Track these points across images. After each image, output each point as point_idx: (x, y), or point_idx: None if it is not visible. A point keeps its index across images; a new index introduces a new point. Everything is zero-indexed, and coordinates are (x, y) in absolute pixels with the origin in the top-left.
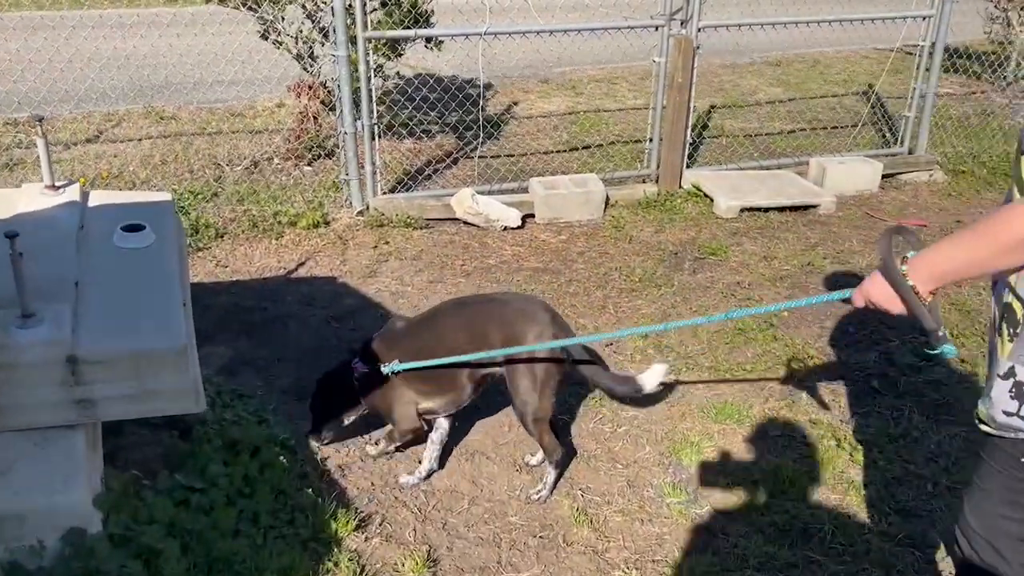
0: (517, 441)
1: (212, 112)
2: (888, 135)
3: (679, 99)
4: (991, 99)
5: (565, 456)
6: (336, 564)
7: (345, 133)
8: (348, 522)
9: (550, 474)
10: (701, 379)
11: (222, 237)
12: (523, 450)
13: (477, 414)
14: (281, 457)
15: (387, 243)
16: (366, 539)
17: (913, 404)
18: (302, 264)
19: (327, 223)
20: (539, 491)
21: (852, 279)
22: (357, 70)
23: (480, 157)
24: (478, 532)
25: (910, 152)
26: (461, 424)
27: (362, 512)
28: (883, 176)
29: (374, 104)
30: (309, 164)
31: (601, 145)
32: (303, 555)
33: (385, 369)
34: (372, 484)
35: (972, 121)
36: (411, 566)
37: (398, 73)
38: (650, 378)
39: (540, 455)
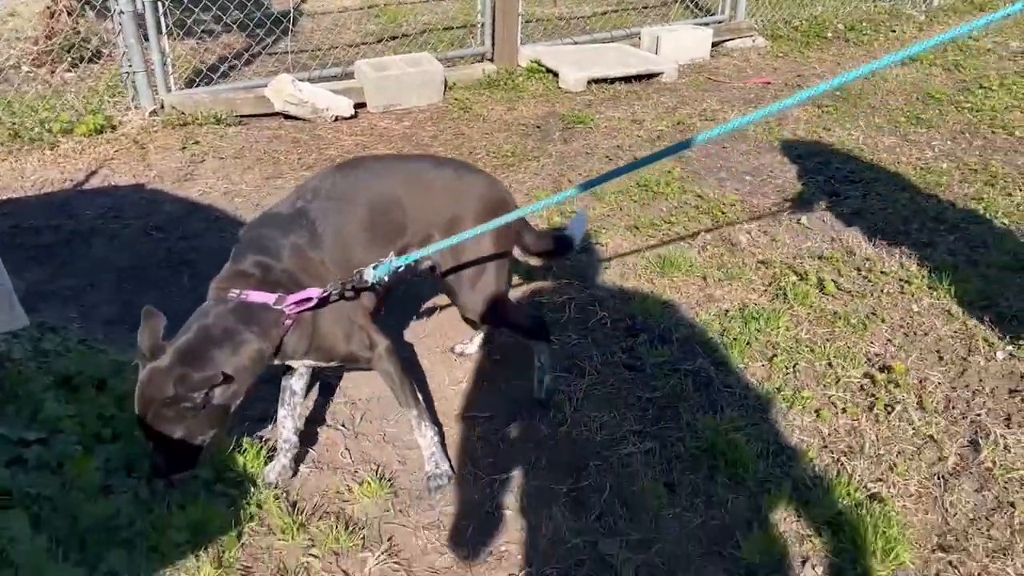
0: (439, 331)
1: None
2: (708, 5)
3: None
4: None
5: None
6: (260, 506)
7: (121, 13)
8: (259, 454)
9: (544, 354)
10: (626, 240)
11: None
12: (450, 340)
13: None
14: None
15: (197, 143)
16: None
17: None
18: (94, 174)
19: (113, 127)
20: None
21: (732, 135)
22: None
23: (285, 53)
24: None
25: (730, 20)
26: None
27: (268, 439)
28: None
29: None
30: (70, 69)
31: (416, 34)
32: (212, 502)
33: (372, 274)
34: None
35: None
36: (364, 490)
37: None
38: (577, 227)
39: (476, 340)
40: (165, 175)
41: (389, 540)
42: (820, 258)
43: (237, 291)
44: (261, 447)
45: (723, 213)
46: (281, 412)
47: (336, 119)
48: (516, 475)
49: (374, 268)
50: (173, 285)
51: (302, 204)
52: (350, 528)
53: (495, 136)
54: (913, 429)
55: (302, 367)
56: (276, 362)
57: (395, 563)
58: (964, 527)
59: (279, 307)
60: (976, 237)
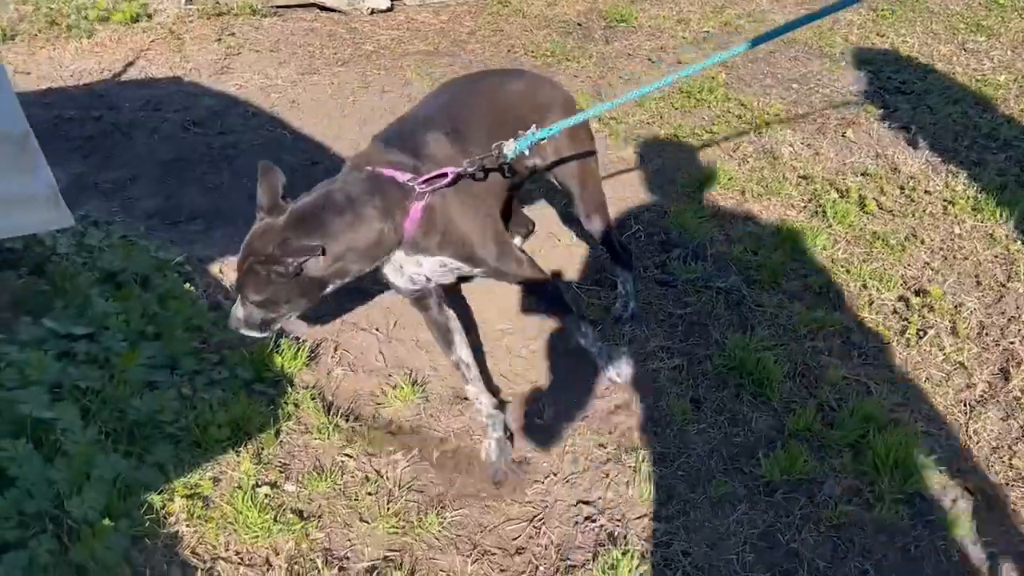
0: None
1: None
2: None
3: None
4: None
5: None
6: (297, 405)
7: None
8: (296, 355)
9: (628, 282)
10: (666, 150)
11: (13, 39)
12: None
13: None
14: (188, 284)
15: (232, 34)
16: (327, 372)
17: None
18: (131, 64)
19: (149, 16)
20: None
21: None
22: None
23: None
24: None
25: None
26: None
27: (305, 341)
28: None
29: None
30: None
31: None
32: (251, 401)
33: (513, 147)
34: None
35: None
36: (397, 393)
37: None
38: None
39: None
40: (202, 68)
41: (419, 441)
42: (864, 175)
43: (371, 167)
44: (299, 348)
45: (766, 124)
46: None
47: (372, 12)
48: (545, 387)
49: (515, 140)
50: (212, 181)
51: (434, 108)
52: (378, 429)
53: (535, 34)
54: (944, 355)
55: (435, 285)
56: (407, 256)
57: (427, 463)
58: (986, 455)
59: (410, 184)
60: None
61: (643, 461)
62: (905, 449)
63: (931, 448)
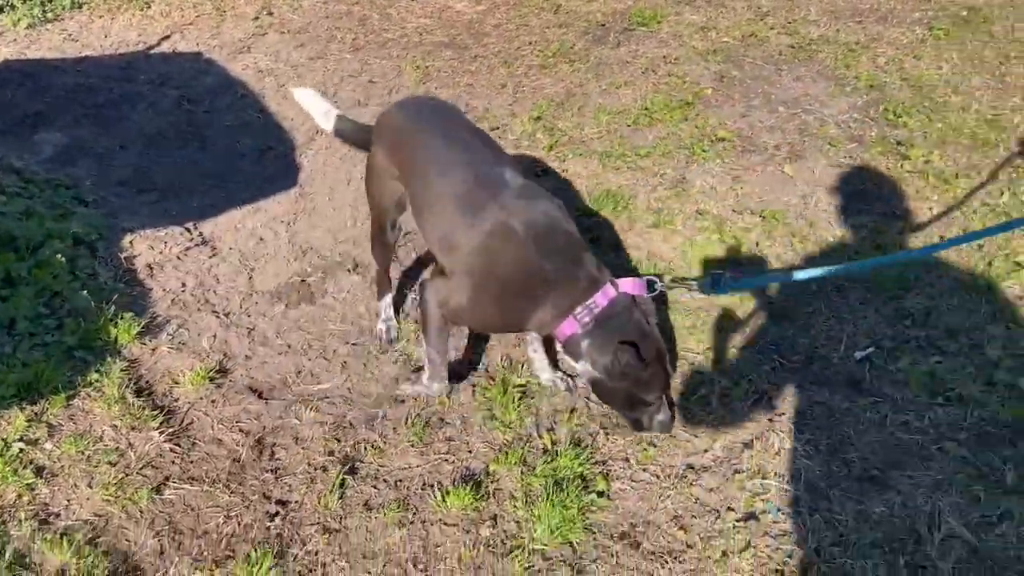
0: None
1: None
2: None
3: None
4: None
5: None
6: (105, 375)
7: None
8: (131, 328)
9: None
10: (587, 168)
11: (79, 7)
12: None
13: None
14: (60, 255)
15: (270, 13)
16: (154, 348)
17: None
18: (166, 38)
19: None
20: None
21: (798, 51)
22: None
23: None
24: (288, 339)
25: None
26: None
27: (157, 316)
28: None
29: None
30: None
31: None
32: (62, 365)
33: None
34: (183, 285)
35: None
36: (191, 378)
37: None
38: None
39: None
40: (226, 45)
41: (184, 423)
42: (762, 216)
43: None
44: (139, 322)
45: (708, 147)
46: None
47: None
48: None
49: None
50: (180, 157)
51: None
52: (157, 408)
53: (553, 31)
54: None
55: None
56: None
57: (175, 445)
58: None
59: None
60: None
61: None
62: None
63: None
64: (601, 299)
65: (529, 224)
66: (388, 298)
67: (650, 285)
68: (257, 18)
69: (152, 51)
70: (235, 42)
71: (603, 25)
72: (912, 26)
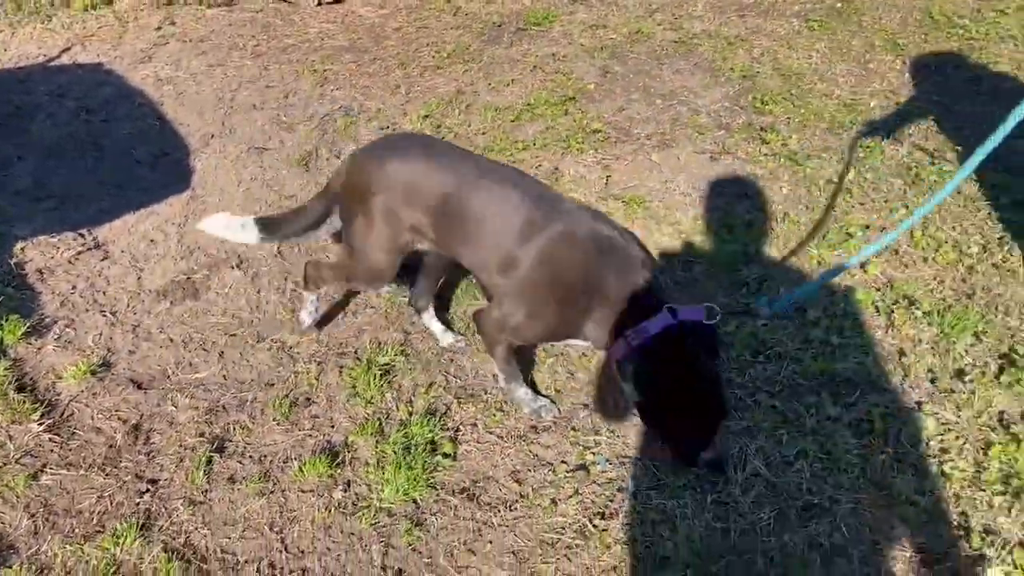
0: None
1: None
2: None
3: None
4: None
5: None
6: None
7: None
8: (16, 328)
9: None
10: None
11: None
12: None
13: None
14: None
15: (173, 24)
16: (39, 347)
17: None
18: (67, 50)
19: (110, 2)
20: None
21: (680, 46)
22: None
23: None
24: (170, 334)
25: None
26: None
27: (45, 318)
28: None
29: None
30: None
31: None
32: None
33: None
34: (73, 288)
35: None
36: (74, 372)
37: None
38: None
39: None
40: (126, 56)
41: (65, 415)
42: (622, 200)
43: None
44: (25, 322)
45: (579, 143)
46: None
47: (319, 3)
48: None
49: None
50: (79, 165)
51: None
52: (39, 401)
53: (450, 33)
54: None
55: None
56: None
57: (55, 435)
58: None
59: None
60: None
61: None
62: None
63: None
64: (655, 325)
65: (594, 235)
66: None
67: (709, 312)
68: (160, 28)
69: (52, 63)
70: (136, 52)
71: (499, 26)
72: (790, 18)
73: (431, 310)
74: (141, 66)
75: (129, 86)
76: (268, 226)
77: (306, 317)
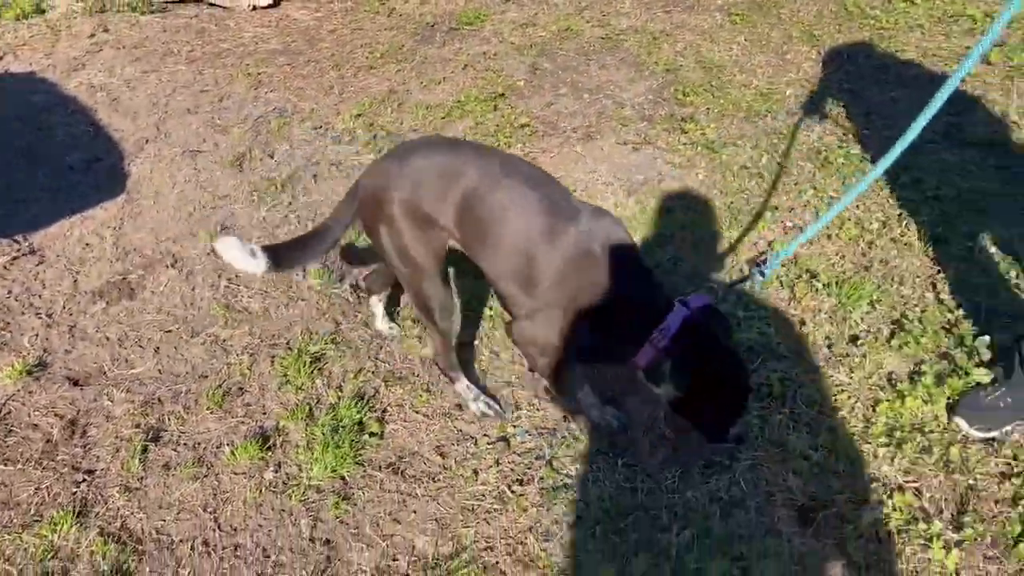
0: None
1: None
2: None
3: None
4: None
5: None
6: None
7: None
8: None
9: None
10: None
11: None
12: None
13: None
14: None
15: (106, 31)
16: None
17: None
18: None
19: (42, 11)
20: None
21: (607, 42)
22: None
23: None
24: (106, 332)
25: None
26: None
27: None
28: None
29: None
30: None
31: None
32: None
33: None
34: (9, 292)
35: None
36: (10, 372)
37: None
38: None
39: None
40: (59, 64)
41: (2, 414)
42: None
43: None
44: None
45: (507, 138)
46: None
47: (254, 8)
48: None
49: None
50: (11, 174)
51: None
52: None
53: (383, 34)
54: None
55: None
56: None
57: None
58: None
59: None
60: None
61: None
62: None
63: None
64: (675, 320)
65: (604, 248)
66: (463, 379)
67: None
68: (93, 35)
69: None
70: (69, 60)
71: (432, 26)
72: (713, 13)
73: (383, 296)
74: (74, 74)
75: (62, 94)
76: (278, 255)
77: (479, 407)
